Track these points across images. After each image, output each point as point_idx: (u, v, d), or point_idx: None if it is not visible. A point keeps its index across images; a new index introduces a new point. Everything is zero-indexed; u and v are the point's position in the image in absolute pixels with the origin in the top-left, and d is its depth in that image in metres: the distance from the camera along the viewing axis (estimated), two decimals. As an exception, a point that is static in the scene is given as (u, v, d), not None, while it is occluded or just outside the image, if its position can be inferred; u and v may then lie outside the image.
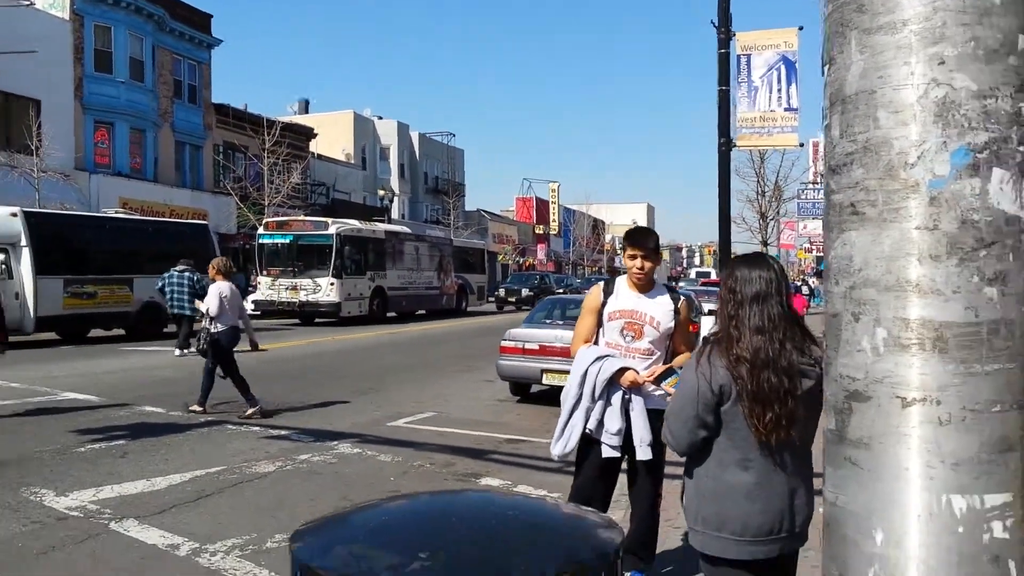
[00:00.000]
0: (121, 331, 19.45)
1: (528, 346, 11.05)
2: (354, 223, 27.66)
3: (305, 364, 15.19)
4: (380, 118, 55.00)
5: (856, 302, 1.76)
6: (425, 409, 10.38)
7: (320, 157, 45.75)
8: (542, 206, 69.48)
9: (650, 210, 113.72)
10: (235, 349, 9.76)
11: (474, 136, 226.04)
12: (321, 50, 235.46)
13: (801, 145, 11.52)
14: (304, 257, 25.32)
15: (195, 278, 16.23)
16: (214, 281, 9.82)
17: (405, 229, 32.11)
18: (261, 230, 26.24)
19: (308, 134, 43.14)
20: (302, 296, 24.86)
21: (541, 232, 68.28)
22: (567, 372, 10.36)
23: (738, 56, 10.32)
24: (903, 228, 1.65)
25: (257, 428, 8.71)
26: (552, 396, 11.29)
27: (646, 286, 4.29)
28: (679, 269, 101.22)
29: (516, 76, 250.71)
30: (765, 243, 20.26)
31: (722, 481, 2.67)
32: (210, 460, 7.24)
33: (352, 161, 50.44)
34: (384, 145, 53.72)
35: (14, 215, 16.91)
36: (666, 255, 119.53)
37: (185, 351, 15.31)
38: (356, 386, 12.30)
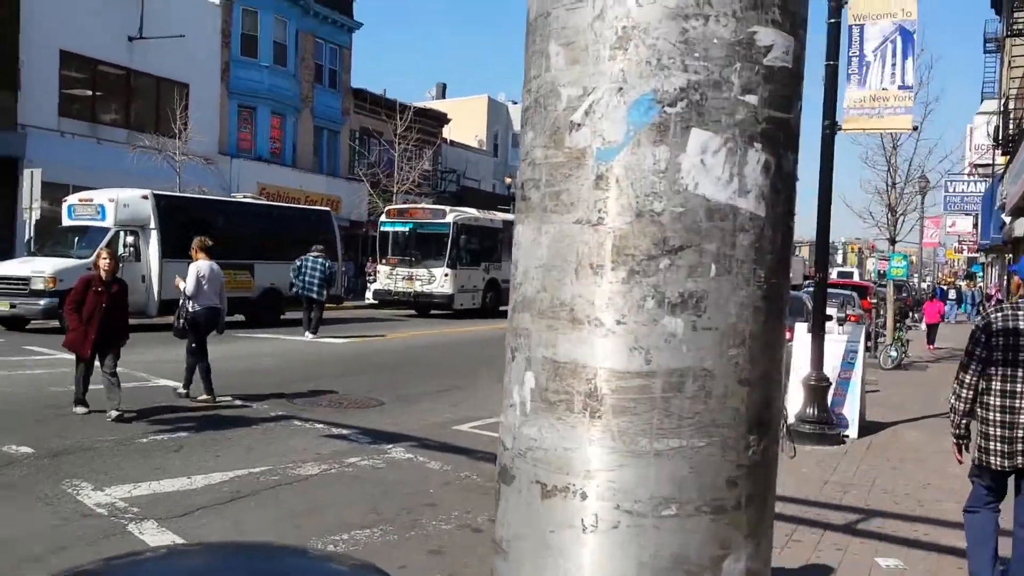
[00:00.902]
0: (241, 317, 20.30)
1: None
2: (472, 211, 27.79)
3: (405, 356, 15.40)
4: (515, 103, 55.17)
5: (513, 332, 1.28)
6: (495, 414, 10.23)
7: (452, 143, 46.34)
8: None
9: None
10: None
11: None
12: (461, 35, 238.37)
13: (915, 128, 10.51)
14: (421, 246, 25.67)
15: (327, 264, 17.72)
16: (194, 260, 9.96)
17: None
18: (383, 218, 26.81)
19: (441, 119, 43.74)
20: (417, 286, 25.22)
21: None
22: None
23: (849, 27, 9.50)
24: (563, 222, 1.15)
25: (321, 425, 8.81)
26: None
27: None
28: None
29: None
30: (893, 240, 18.78)
31: None
32: (261, 459, 7.36)
33: (484, 147, 50.86)
34: (517, 131, 53.86)
35: (145, 197, 17.94)
36: (805, 252, 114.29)
37: (315, 334, 16.92)
38: (444, 382, 12.31)
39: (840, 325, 11.42)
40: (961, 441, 4.62)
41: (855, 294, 22.20)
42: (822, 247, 9.48)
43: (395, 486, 6.84)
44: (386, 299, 26.11)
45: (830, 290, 25.34)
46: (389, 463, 7.52)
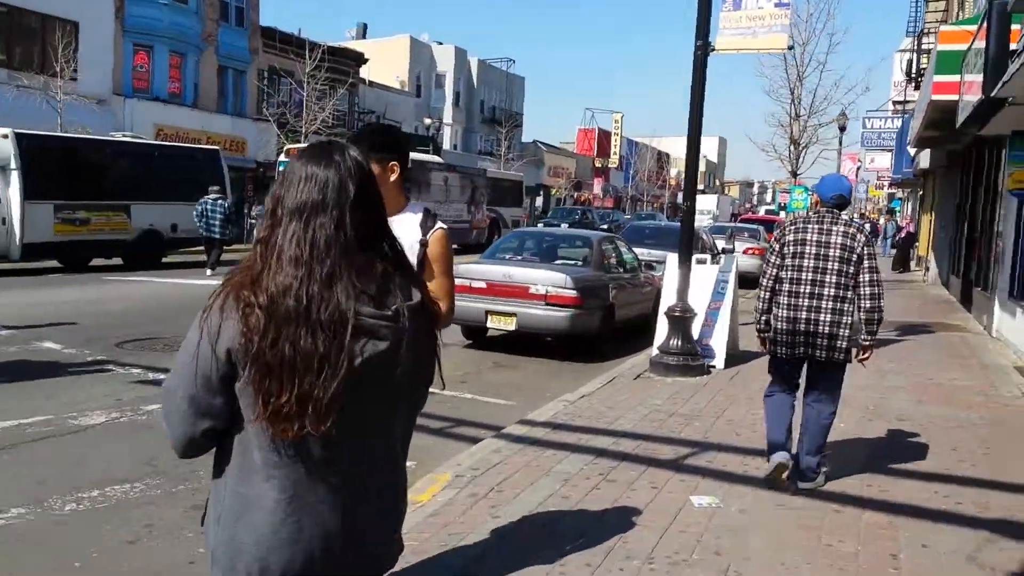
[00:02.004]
0: (119, 260, 19.16)
1: (475, 284, 10.05)
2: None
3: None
4: (440, 44, 53.58)
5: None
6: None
7: (371, 84, 44.78)
8: (604, 138, 67.28)
9: (722, 143, 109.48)
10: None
11: (537, 66, 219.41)
12: None
13: (791, 48, 9.98)
14: (324, 186, 24.62)
15: (226, 204, 18.20)
16: None
17: (431, 158, 31.06)
18: (281, 157, 25.61)
19: (358, 59, 42.10)
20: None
21: (601, 166, 66.30)
22: (514, 314, 9.42)
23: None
24: None
25: (138, 371, 8.03)
26: (501, 341, 10.40)
27: (392, 204, 3.20)
28: (747, 206, 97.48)
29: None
30: (795, 173, 18.51)
31: (241, 497, 1.72)
32: (46, 407, 6.57)
33: (406, 88, 49.37)
34: (440, 72, 52.40)
35: (5, 136, 16.57)
36: (735, 192, 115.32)
37: (212, 271, 17.34)
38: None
39: (716, 255, 11.00)
40: (762, 335, 5.26)
41: (761, 228, 22.03)
42: (690, 174, 8.92)
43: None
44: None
45: (739, 225, 25.49)
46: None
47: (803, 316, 4.92)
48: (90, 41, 27.62)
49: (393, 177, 3.13)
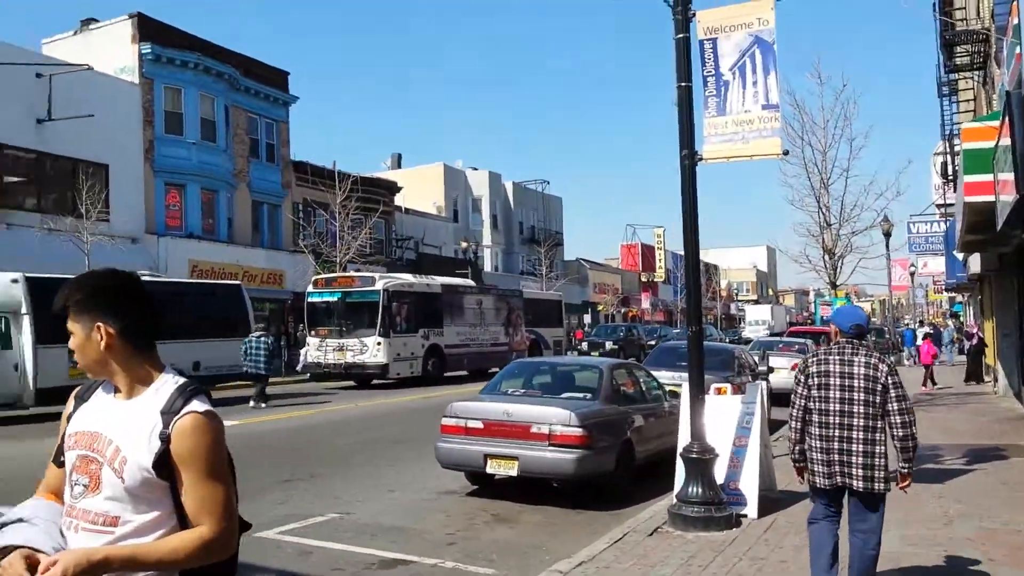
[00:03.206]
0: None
1: (471, 424, 9.02)
2: (406, 277, 26.44)
3: (285, 439, 13.66)
4: (474, 169, 54.36)
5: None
6: (332, 508, 8.51)
7: (407, 211, 45.19)
8: (648, 253, 66.76)
9: (771, 252, 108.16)
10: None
11: (575, 186, 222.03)
12: (418, 106, 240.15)
13: (786, 153, 9.05)
14: (351, 315, 24.16)
15: (270, 341, 19.23)
16: None
17: (466, 282, 30.60)
18: (310, 288, 25.30)
19: (391, 188, 42.65)
20: (348, 357, 23.60)
21: (647, 280, 65.48)
22: (516, 457, 8.31)
23: (701, 42, 8.12)
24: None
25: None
26: (509, 485, 9.23)
27: (126, 383, 2.28)
28: (804, 315, 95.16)
29: (613, 117, 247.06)
30: (834, 284, 17.29)
31: None
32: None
33: (443, 213, 49.76)
34: (476, 196, 52.93)
35: (15, 281, 16.43)
36: (790, 300, 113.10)
37: (262, 404, 18.26)
38: (301, 471, 10.62)
39: (750, 381, 9.83)
40: (797, 465, 5.30)
41: (809, 341, 20.65)
42: (693, 292, 7.93)
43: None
44: (316, 372, 24.49)
45: (784, 339, 24.07)
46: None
47: (835, 447, 4.99)
48: (121, 182, 28.20)
49: (102, 343, 2.23)
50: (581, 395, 9.49)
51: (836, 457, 4.97)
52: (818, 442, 5.05)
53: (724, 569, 6.15)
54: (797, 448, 5.22)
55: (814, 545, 5.18)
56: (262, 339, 19.01)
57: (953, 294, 46.31)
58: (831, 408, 5.01)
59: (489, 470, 8.81)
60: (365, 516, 8.26)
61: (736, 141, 8.00)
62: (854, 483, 4.94)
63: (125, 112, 28.76)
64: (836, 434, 4.97)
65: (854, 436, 4.93)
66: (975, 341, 26.24)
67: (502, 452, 8.70)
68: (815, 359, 5.22)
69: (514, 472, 8.63)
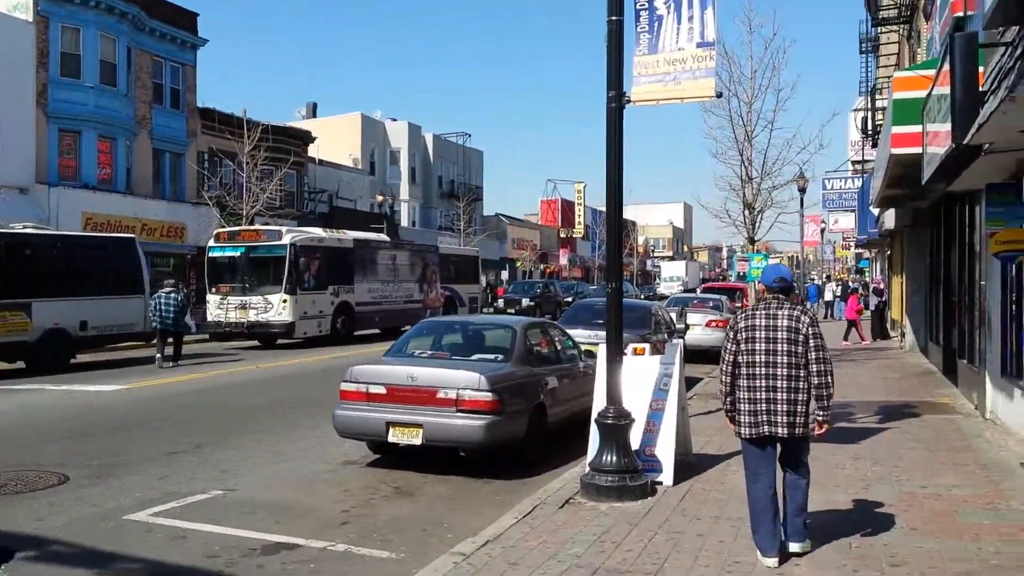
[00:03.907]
0: (21, 364, 17.21)
1: (373, 389, 8.36)
2: (315, 231, 25.31)
3: (174, 404, 12.71)
4: (393, 120, 52.78)
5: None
6: (217, 484, 7.76)
7: (321, 162, 43.57)
8: (568, 208, 66.45)
9: (687, 209, 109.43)
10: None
11: (496, 139, 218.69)
12: (331, 52, 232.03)
13: (719, 95, 8.51)
14: (256, 271, 22.95)
15: (179, 297, 18.49)
16: None
17: (379, 237, 29.58)
18: (211, 242, 23.93)
19: (304, 138, 40.94)
20: (252, 316, 22.44)
21: (566, 236, 65.32)
22: (420, 425, 7.68)
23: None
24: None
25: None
26: (414, 454, 8.60)
27: None
28: (718, 271, 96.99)
29: (538, 68, 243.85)
30: (752, 239, 17.11)
31: None
32: None
33: (359, 166, 48.24)
34: (395, 148, 51.46)
35: None
36: (704, 256, 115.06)
37: (169, 364, 17.90)
38: (186, 441, 9.79)
39: (667, 339, 9.40)
40: (729, 414, 5.54)
41: (723, 297, 20.55)
42: (613, 246, 7.37)
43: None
44: (217, 331, 23.28)
45: (699, 295, 24.02)
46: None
47: (761, 396, 5.27)
48: (10, 128, 26.14)
49: None
50: (492, 356, 8.89)
51: (763, 407, 5.24)
52: (746, 393, 5.31)
53: (639, 545, 5.70)
54: (728, 400, 5.49)
55: (757, 508, 5.34)
56: (171, 295, 18.30)
57: (861, 250, 47.48)
58: (757, 360, 5.29)
59: (391, 439, 8.17)
60: (252, 492, 7.54)
61: (668, 82, 7.42)
62: (778, 430, 5.21)
63: (17, 53, 26.51)
64: (762, 384, 5.25)
65: (778, 385, 5.22)
66: (883, 299, 26.80)
67: (406, 419, 8.07)
68: (743, 314, 5.51)
69: (418, 441, 8.01)
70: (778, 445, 5.34)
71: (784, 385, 5.21)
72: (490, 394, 7.93)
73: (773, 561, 5.22)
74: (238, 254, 23.07)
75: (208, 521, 6.56)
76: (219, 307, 22.86)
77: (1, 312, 16.50)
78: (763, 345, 5.28)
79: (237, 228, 25.14)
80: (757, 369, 5.28)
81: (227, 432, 10.40)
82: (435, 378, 8.15)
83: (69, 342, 17.77)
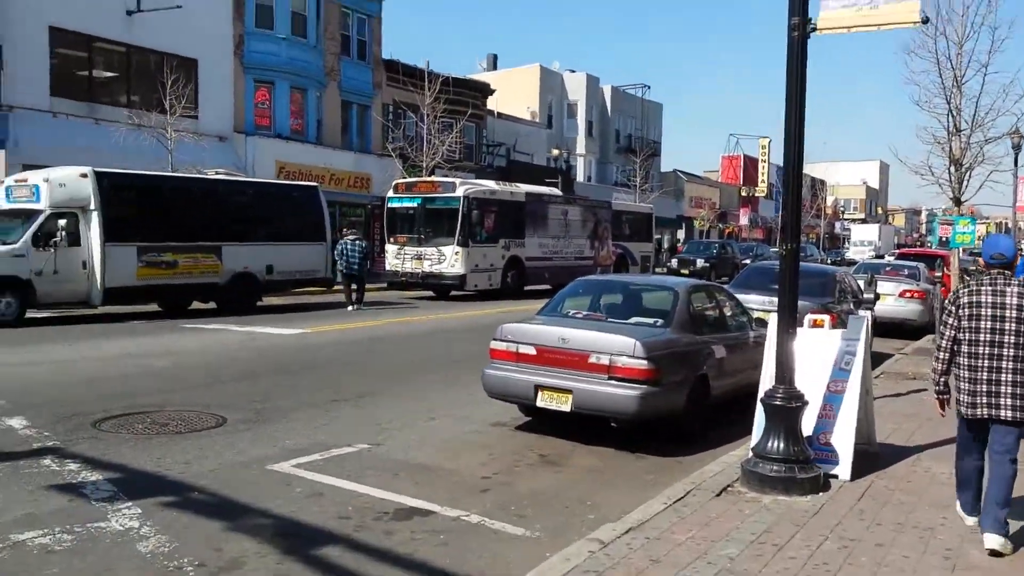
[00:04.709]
0: (213, 304, 18.32)
1: (523, 349, 7.98)
2: (488, 184, 25.30)
3: (347, 351, 13.01)
4: (572, 71, 52.01)
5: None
6: (365, 437, 7.67)
7: (499, 115, 43.65)
8: (750, 165, 63.30)
9: (883, 168, 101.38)
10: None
11: (675, 92, 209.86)
12: (518, 5, 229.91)
13: (925, 20, 7.18)
14: (431, 222, 23.29)
15: (363, 244, 20.23)
16: None
17: (551, 191, 29.18)
18: (390, 192, 24.48)
19: (484, 90, 41.03)
20: (426, 266, 22.87)
21: (747, 195, 62.34)
22: (570, 391, 7.24)
23: None
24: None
25: (75, 466, 6.45)
26: (565, 420, 8.14)
27: None
28: (915, 235, 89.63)
29: (723, 20, 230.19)
30: (958, 200, 15.16)
31: None
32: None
33: (537, 119, 47.99)
34: (572, 101, 50.77)
35: (84, 175, 16.04)
36: (900, 220, 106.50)
37: (358, 306, 19.46)
38: (352, 389, 9.92)
39: (852, 310, 8.33)
40: (940, 397, 5.38)
41: (921, 265, 18.58)
42: (792, 198, 6.48)
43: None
44: (394, 281, 23.92)
45: (893, 262, 21.90)
46: (90, 538, 5.04)
47: (984, 377, 5.01)
48: (210, 78, 27.79)
49: None
50: (651, 321, 8.25)
51: (984, 387, 5.00)
52: (966, 372, 5.09)
53: (804, 552, 4.97)
54: (942, 380, 5.30)
55: (962, 478, 5.41)
56: (356, 242, 19.88)
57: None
58: (981, 339, 5.03)
59: (539, 403, 7.77)
60: (396, 449, 7.38)
61: (861, 5, 6.35)
62: (1002, 412, 4.96)
63: (215, 4, 28.07)
64: (984, 363, 5.00)
65: (1004, 366, 4.96)
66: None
67: (555, 384, 7.64)
68: (966, 289, 5.21)
69: (567, 408, 7.56)
70: (993, 428, 5.05)
71: (1011, 367, 4.93)
72: (646, 362, 7.32)
73: (973, 521, 5.25)
74: (415, 205, 23.47)
75: (347, 477, 6.44)
76: (396, 256, 23.44)
77: (194, 254, 17.57)
78: (988, 323, 5.00)
79: (414, 179, 25.55)
80: (981, 348, 5.02)
81: (393, 381, 10.45)
82: (587, 341, 7.64)
83: (256, 285, 18.71)
